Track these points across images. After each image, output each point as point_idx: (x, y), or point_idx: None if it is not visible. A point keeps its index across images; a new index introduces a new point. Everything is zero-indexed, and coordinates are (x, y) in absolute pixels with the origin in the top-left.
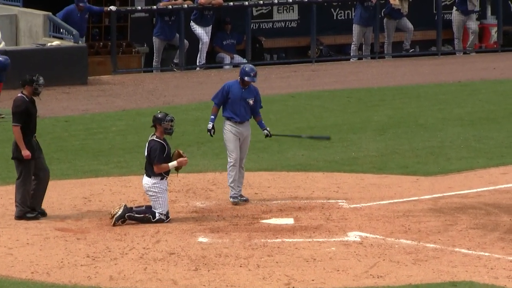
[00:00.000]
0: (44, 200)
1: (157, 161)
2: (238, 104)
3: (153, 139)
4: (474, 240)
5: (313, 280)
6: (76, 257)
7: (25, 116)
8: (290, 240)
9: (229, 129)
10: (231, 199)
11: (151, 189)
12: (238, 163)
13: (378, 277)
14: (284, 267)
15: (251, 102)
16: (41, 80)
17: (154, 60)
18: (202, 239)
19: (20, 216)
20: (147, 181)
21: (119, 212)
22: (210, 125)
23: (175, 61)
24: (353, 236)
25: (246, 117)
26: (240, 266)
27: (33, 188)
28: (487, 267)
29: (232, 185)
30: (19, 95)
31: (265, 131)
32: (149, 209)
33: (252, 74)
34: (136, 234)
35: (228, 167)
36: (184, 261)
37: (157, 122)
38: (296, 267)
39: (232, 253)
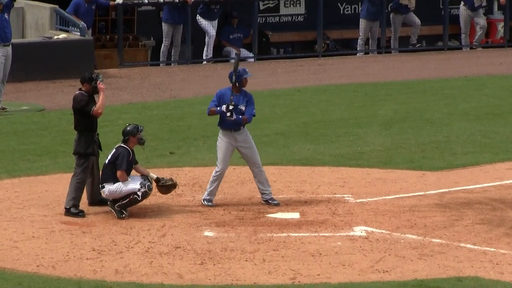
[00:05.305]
0: (50, 193)
1: (123, 168)
2: None
3: (122, 146)
4: (480, 235)
5: (318, 275)
6: (81, 250)
7: (87, 110)
8: (296, 234)
9: (222, 137)
10: (204, 202)
11: (117, 190)
12: (222, 175)
13: (383, 272)
14: (290, 262)
15: (243, 108)
16: (101, 78)
17: (163, 44)
18: (208, 233)
19: (67, 209)
20: (110, 187)
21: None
22: (224, 107)
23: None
24: (359, 230)
25: (240, 125)
26: (246, 260)
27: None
28: (493, 263)
29: (207, 193)
30: (77, 92)
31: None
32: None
33: (247, 70)
34: (142, 227)
35: (212, 175)
36: (190, 255)
37: (130, 134)
38: (302, 262)
39: (238, 247)
